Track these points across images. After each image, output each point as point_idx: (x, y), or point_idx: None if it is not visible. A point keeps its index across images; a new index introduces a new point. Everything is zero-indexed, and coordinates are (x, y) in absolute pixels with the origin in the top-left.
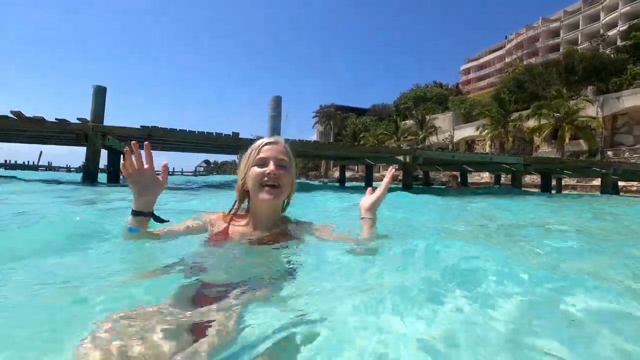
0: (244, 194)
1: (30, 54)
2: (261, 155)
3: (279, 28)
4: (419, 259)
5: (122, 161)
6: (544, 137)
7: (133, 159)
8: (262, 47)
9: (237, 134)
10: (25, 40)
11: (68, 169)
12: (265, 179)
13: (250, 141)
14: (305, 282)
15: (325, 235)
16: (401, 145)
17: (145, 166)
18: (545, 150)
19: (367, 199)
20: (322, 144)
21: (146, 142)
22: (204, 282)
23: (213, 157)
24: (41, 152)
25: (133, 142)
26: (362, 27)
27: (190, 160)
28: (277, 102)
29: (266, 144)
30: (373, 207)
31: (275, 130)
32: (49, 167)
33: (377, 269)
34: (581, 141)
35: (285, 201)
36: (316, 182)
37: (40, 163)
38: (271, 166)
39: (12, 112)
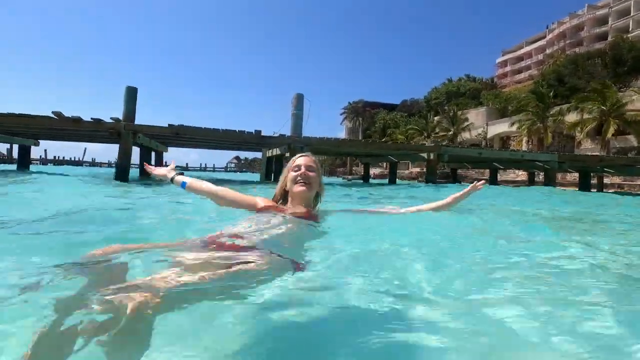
0: (284, 194)
1: (67, 56)
2: (296, 163)
3: (305, 22)
4: None
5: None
6: (587, 132)
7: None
8: (288, 43)
9: (260, 131)
10: (66, 43)
11: (109, 164)
12: (299, 178)
13: (273, 138)
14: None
15: (357, 212)
16: (431, 142)
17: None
18: (588, 146)
19: (457, 193)
20: (343, 140)
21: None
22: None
23: (244, 154)
24: (85, 149)
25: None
26: (392, 19)
27: (222, 157)
28: (299, 99)
29: (300, 156)
30: (457, 199)
31: (297, 128)
32: (93, 163)
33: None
34: (629, 137)
35: (317, 200)
36: (340, 180)
37: (84, 159)
38: (302, 169)
39: (53, 112)
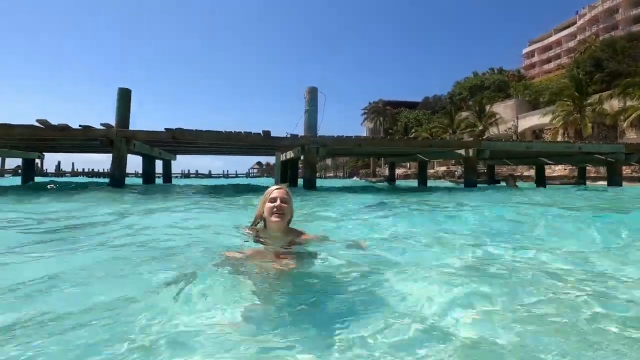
0: (262, 218)
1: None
2: (272, 196)
3: (322, 17)
4: None
5: None
6: (631, 121)
7: None
8: (305, 40)
9: (268, 132)
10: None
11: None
12: (275, 209)
13: (284, 139)
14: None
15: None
16: (458, 139)
17: None
18: (632, 136)
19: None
20: (365, 139)
21: None
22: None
23: (267, 159)
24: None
25: None
26: (411, 13)
27: (244, 163)
28: (313, 94)
29: (275, 189)
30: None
31: (311, 127)
32: None
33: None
34: None
35: (290, 221)
36: (362, 182)
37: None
38: (277, 202)
39: (37, 120)
